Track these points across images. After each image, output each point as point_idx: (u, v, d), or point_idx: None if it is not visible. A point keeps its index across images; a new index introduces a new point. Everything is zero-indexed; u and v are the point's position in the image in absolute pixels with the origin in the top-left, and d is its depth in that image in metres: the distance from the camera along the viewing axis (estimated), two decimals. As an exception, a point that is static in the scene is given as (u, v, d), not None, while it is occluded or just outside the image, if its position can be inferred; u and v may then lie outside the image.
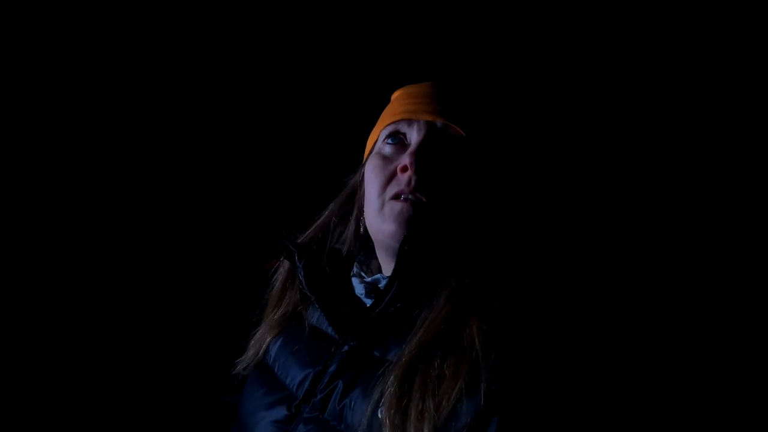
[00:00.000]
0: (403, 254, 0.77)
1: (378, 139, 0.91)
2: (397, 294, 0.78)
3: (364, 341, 0.80)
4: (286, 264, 1.00)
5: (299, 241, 0.97)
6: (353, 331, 0.82)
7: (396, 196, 0.81)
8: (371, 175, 0.86)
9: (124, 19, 1.63)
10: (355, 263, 0.95)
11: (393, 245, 0.80)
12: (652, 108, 1.44)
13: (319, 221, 0.99)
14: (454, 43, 1.56)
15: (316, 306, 0.91)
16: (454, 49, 1.55)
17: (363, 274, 0.93)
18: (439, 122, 0.83)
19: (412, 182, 0.79)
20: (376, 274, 0.92)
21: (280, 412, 0.84)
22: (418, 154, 0.80)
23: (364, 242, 0.96)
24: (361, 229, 0.95)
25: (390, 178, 0.83)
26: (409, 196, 0.79)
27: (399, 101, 0.90)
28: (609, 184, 1.33)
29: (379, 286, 0.88)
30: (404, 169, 0.80)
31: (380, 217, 0.82)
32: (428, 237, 0.77)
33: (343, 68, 1.68)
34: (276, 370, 0.92)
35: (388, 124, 0.88)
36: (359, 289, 0.90)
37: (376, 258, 0.93)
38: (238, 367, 1.02)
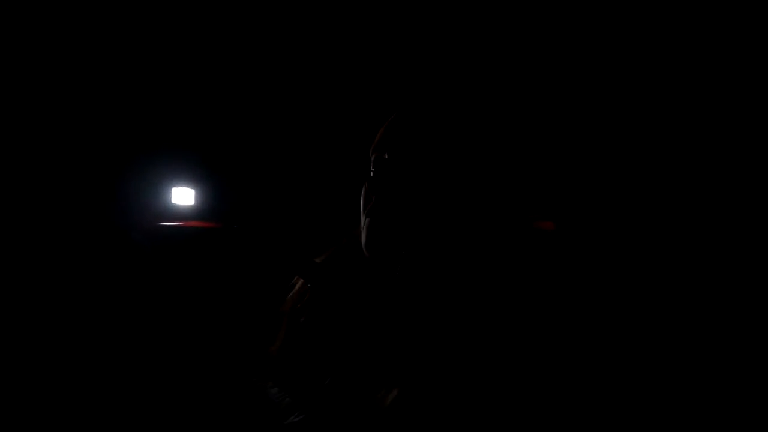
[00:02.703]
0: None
1: None
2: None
3: None
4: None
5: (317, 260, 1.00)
6: None
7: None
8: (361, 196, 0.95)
9: (129, 21, 1.64)
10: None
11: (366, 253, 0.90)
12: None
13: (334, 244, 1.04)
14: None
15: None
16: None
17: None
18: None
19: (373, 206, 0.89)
20: None
21: None
22: (374, 184, 0.90)
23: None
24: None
25: (368, 199, 0.92)
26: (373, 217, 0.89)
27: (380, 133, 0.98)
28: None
29: None
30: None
31: (365, 231, 0.91)
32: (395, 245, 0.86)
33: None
34: None
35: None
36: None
37: None
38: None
